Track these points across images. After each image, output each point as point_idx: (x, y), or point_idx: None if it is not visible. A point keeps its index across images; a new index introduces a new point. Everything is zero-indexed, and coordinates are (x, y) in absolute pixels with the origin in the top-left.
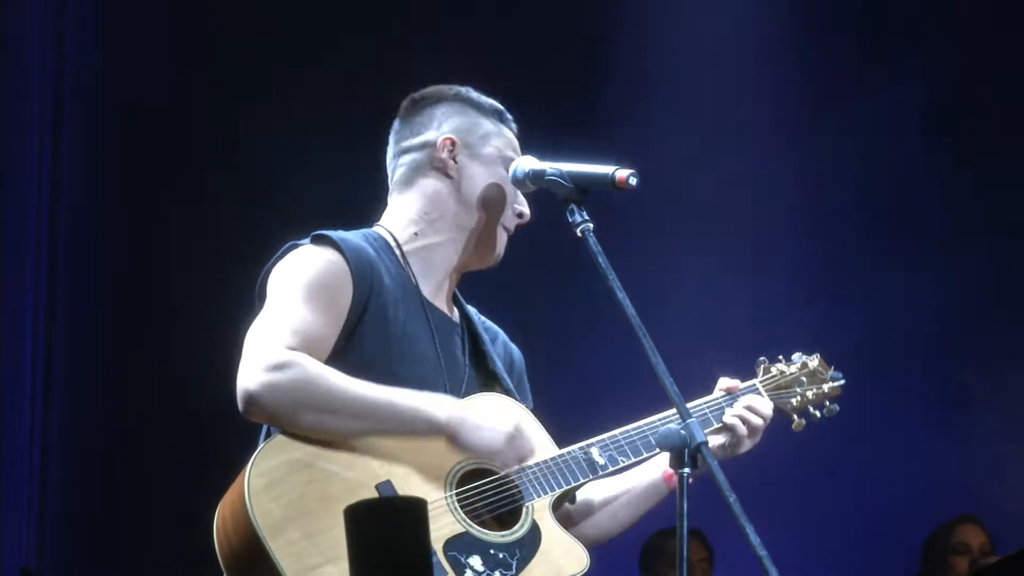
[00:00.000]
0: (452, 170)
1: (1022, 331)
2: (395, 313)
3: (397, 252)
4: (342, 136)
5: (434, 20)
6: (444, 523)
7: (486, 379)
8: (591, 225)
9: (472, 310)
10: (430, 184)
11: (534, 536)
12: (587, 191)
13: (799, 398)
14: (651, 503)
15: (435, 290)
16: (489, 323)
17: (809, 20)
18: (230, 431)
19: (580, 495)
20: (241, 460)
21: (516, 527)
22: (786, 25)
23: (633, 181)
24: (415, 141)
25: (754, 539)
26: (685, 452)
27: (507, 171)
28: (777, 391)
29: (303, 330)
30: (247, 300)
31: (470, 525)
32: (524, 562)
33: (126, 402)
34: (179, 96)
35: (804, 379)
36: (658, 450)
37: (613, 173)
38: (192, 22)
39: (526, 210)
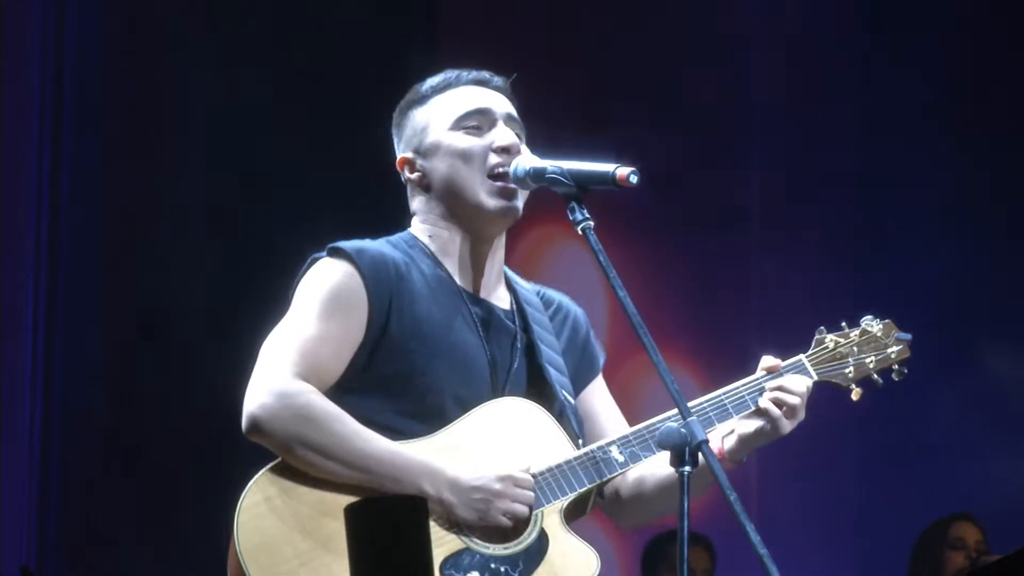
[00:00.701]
0: (421, 181)
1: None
2: (428, 313)
3: (428, 253)
4: (347, 139)
5: (434, 20)
6: (443, 540)
7: (535, 371)
8: (591, 223)
9: (529, 291)
10: (417, 201)
11: (541, 544)
12: (588, 189)
13: (853, 368)
14: (702, 487)
15: (477, 281)
16: (551, 294)
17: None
18: (232, 431)
19: (633, 476)
20: (242, 462)
21: (522, 537)
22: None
23: (634, 179)
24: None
25: (755, 538)
26: (685, 451)
27: (462, 128)
28: (829, 363)
29: (313, 352)
30: (249, 301)
31: (471, 540)
32: (527, 573)
33: (126, 401)
34: (180, 97)
35: (857, 348)
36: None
37: (614, 171)
38: (192, 22)
39: (501, 140)
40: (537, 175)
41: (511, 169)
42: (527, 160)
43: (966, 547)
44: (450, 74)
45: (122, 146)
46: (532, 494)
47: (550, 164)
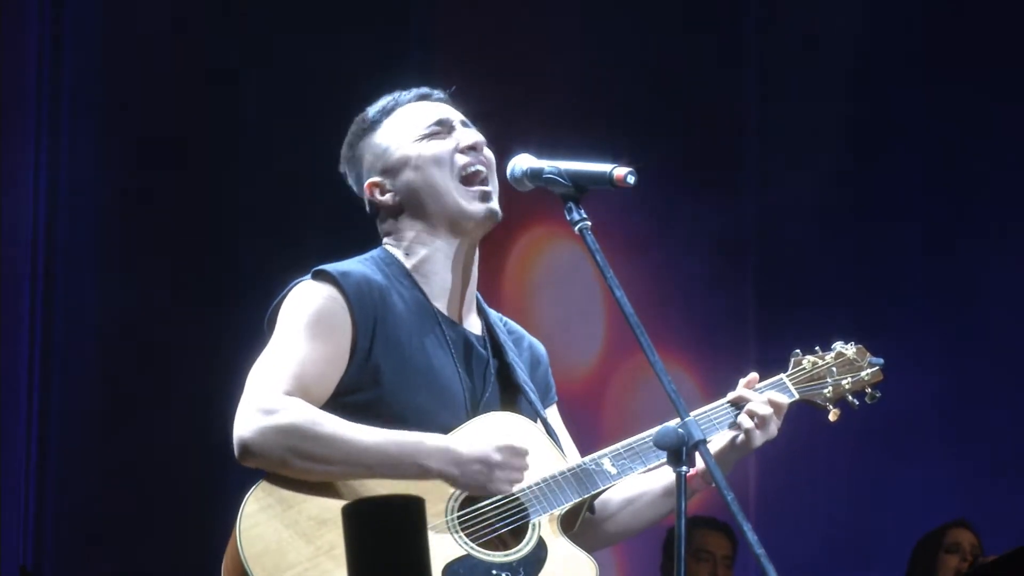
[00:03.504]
0: (393, 201)
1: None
2: (408, 337)
3: (407, 272)
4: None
5: (430, 22)
6: (444, 546)
7: (511, 392)
8: (589, 223)
9: (495, 316)
10: (389, 224)
11: (539, 553)
12: (585, 189)
13: (831, 389)
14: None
15: (453, 303)
16: (513, 325)
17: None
18: (229, 430)
19: (604, 494)
20: (240, 463)
21: (521, 545)
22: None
23: (631, 179)
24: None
25: (751, 537)
26: (683, 450)
27: (423, 136)
28: (808, 383)
29: (299, 372)
30: (247, 301)
31: (471, 547)
32: None
33: (124, 399)
34: (179, 99)
35: (835, 369)
36: None
37: (611, 171)
38: (192, 22)
39: (466, 140)
40: (534, 175)
41: (508, 170)
42: (524, 161)
43: (961, 551)
44: (391, 98)
45: (121, 147)
46: (527, 461)
47: (547, 164)
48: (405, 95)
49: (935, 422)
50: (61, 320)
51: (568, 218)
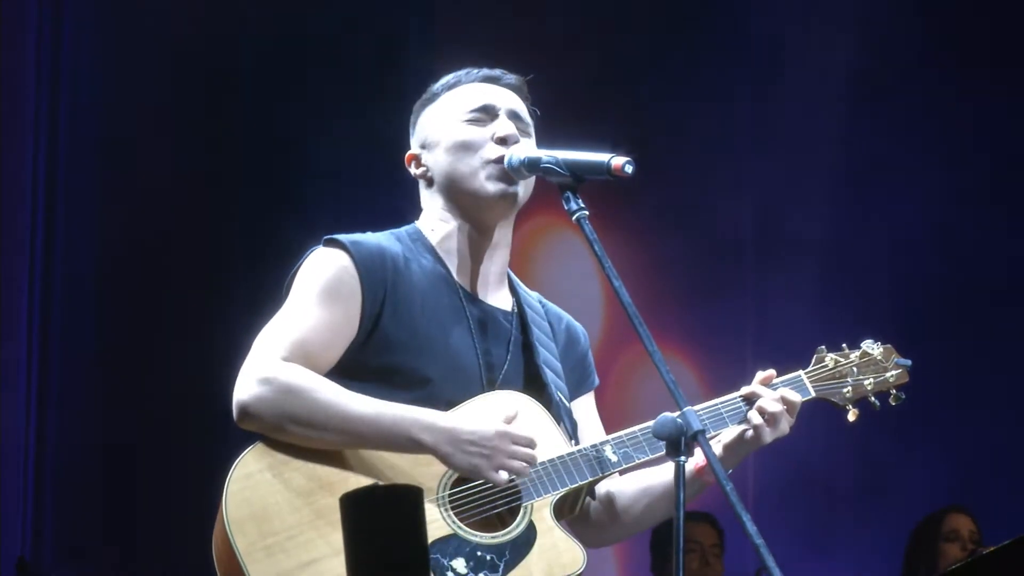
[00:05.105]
0: (425, 175)
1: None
2: (422, 308)
3: (431, 248)
4: (350, 136)
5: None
6: (431, 525)
7: (533, 369)
8: (587, 213)
9: (532, 297)
10: (423, 195)
11: (528, 536)
12: (583, 179)
13: (851, 389)
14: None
15: (476, 280)
16: (554, 308)
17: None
18: (228, 423)
19: (614, 486)
20: (238, 454)
21: (510, 527)
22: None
23: (629, 169)
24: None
25: (751, 527)
26: (681, 441)
27: (465, 119)
28: (828, 381)
29: (303, 339)
30: (247, 296)
31: (458, 527)
32: (512, 564)
33: (123, 393)
34: (179, 102)
35: (856, 368)
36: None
37: (609, 161)
38: (191, 23)
39: (500, 131)
40: (532, 165)
41: (506, 159)
42: (522, 150)
43: (960, 539)
44: (461, 72)
45: (119, 141)
46: (531, 452)
47: (545, 154)
48: (472, 73)
49: (936, 409)
50: (60, 316)
51: (566, 208)
